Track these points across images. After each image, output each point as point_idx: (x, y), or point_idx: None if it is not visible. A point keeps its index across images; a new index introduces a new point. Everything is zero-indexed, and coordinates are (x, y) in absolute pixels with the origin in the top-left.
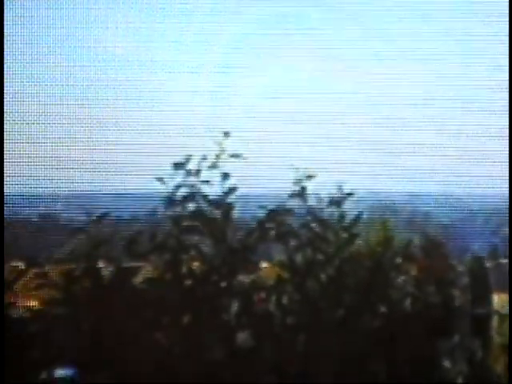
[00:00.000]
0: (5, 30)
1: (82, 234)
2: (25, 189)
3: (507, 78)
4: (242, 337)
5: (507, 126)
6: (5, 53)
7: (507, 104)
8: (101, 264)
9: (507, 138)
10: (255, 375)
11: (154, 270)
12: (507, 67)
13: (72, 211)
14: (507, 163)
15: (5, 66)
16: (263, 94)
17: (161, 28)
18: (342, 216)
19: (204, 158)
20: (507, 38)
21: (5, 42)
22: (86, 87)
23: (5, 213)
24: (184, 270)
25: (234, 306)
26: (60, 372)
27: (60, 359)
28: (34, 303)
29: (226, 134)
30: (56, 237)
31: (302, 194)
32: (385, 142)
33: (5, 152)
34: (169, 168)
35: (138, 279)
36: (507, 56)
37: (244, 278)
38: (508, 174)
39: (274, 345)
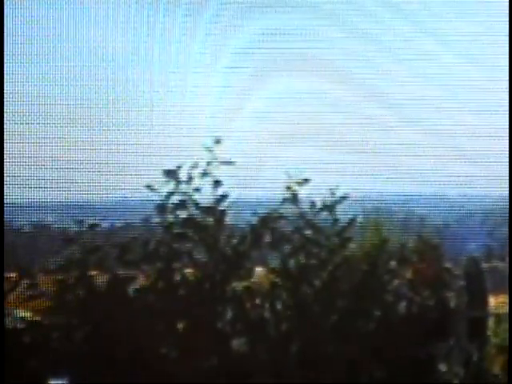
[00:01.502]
0: (5, 30)
1: (74, 242)
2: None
3: (507, 78)
4: (237, 343)
5: (507, 126)
6: (5, 53)
7: (507, 104)
8: (93, 272)
9: (507, 138)
10: (250, 381)
11: (146, 278)
12: (507, 67)
13: (64, 220)
14: (506, 163)
15: (5, 66)
16: (258, 97)
17: (162, 28)
18: (335, 220)
19: (195, 166)
20: (507, 38)
21: (5, 41)
22: (86, 87)
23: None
24: (177, 277)
25: (228, 313)
26: (54, 382)
27: (54, 369)
28: (27, 313)
29: (218, 140)
30: (48, 246)
31: (294, 198)
32: (378, 144)
33: (5, 152)
34: (161, 173)
35: (131, 287)
36: (507, 56)
37: (237, 285)
38: (508, 175)
39: (268, 350)
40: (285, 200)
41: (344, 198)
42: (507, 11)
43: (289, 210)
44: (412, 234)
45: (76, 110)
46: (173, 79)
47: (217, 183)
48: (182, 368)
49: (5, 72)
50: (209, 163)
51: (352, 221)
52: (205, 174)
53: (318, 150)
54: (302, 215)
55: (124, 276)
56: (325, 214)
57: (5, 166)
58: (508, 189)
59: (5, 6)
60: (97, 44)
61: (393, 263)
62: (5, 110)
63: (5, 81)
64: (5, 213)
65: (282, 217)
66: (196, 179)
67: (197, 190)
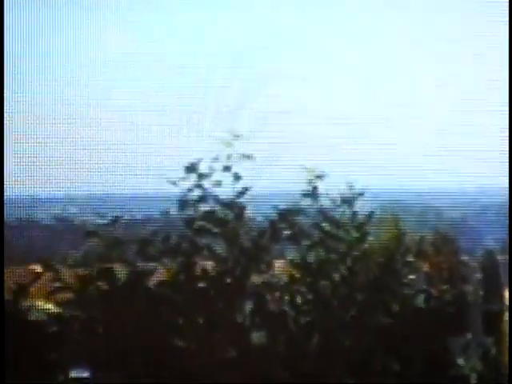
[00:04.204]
0: (5, 30)
1: (95, 236)
2: (32, 190)
3: (507, 78)
4: (256, 336)
5: (507, 126)
6: (5, 53)
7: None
8: (115, 266)
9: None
10: (268, 374)
11: (167, 271)
12: (507, 67)
13: (86, 213)
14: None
15: (5, 65)
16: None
17: (162, 29)
18: (353, 215)
19: (216, 160)
20: (507, 38)
21: (5, 42)
22: (86, 87)
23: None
24: (197, 271)
25: (248, 306)
26: (75, 374)
27: (75, 361)
28: (49, 306)
29: (237, 135)
30: (69, 239)
31: (313, 193)
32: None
33: (5, 152)
34: (181, 170)
35: (152, 281)
36: (507, 56)
37: (257, 278)
38: (508, 174)
39: (287, 344)
40: (304, 195)
41: (361, 194)
42: (507, 11)
43: (308, 204)
44: (429, 228)
45: (76, 110)
46: (189, 76)
47: (237, 177)
48: (201, 361)
49: (5, 72)
50: (229, 157)
51: (370, 216)
52: (225, 168)
53: (335, 147)
54: (320, 210)
55: (145, 270)
56: (343, 209)
57: (4, 166)
58: (508, 187)
59: (5, 7)
60: (97, 44)
61: (410, 257)
62: (5, 110)
63: (5, 81)
64: (25, 206)
65: (301, 211)
66: (216, 174)
67: (217, 184)
